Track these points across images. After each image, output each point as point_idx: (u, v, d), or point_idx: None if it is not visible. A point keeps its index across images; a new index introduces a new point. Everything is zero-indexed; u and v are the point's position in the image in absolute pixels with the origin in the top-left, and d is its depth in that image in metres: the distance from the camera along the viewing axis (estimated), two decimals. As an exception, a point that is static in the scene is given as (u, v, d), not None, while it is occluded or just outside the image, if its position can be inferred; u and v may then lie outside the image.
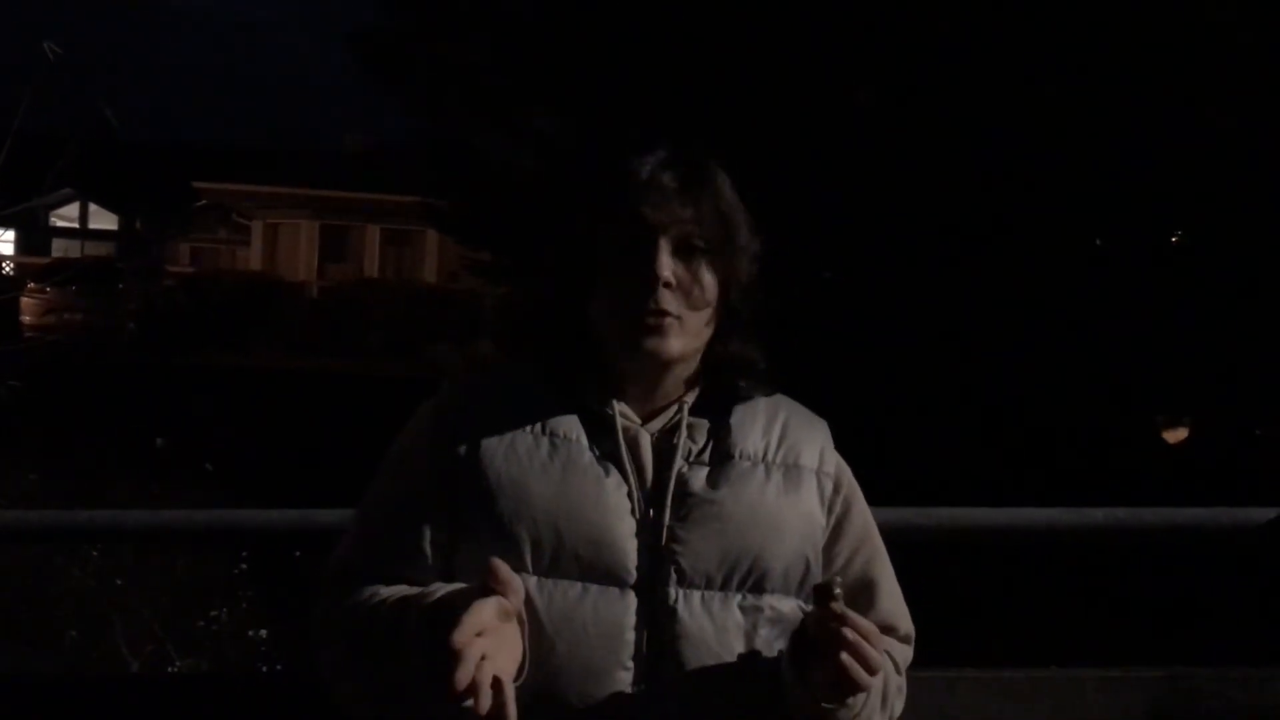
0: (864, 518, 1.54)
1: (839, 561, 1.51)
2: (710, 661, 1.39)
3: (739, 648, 1.40)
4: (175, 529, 2.17)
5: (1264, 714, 2.20)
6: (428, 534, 1.42)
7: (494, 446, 1.42)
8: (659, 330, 1.41)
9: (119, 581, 5.03)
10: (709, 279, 1.44)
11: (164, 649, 4.50)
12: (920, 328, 9.59)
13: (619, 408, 1.45)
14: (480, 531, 1.39)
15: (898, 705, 1.52)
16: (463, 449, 1.42)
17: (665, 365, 1.45)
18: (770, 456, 1.48)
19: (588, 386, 1.46)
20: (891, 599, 1.55)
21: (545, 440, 1.42)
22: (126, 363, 15.79)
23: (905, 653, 1.56)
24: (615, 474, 1.41)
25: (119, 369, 14.37)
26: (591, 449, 1.43)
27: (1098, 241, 10.40)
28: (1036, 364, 9.39)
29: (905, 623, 1.57)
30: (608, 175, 1.45)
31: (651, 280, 1.40)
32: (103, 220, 45.08)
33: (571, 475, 1.40)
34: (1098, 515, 2.29)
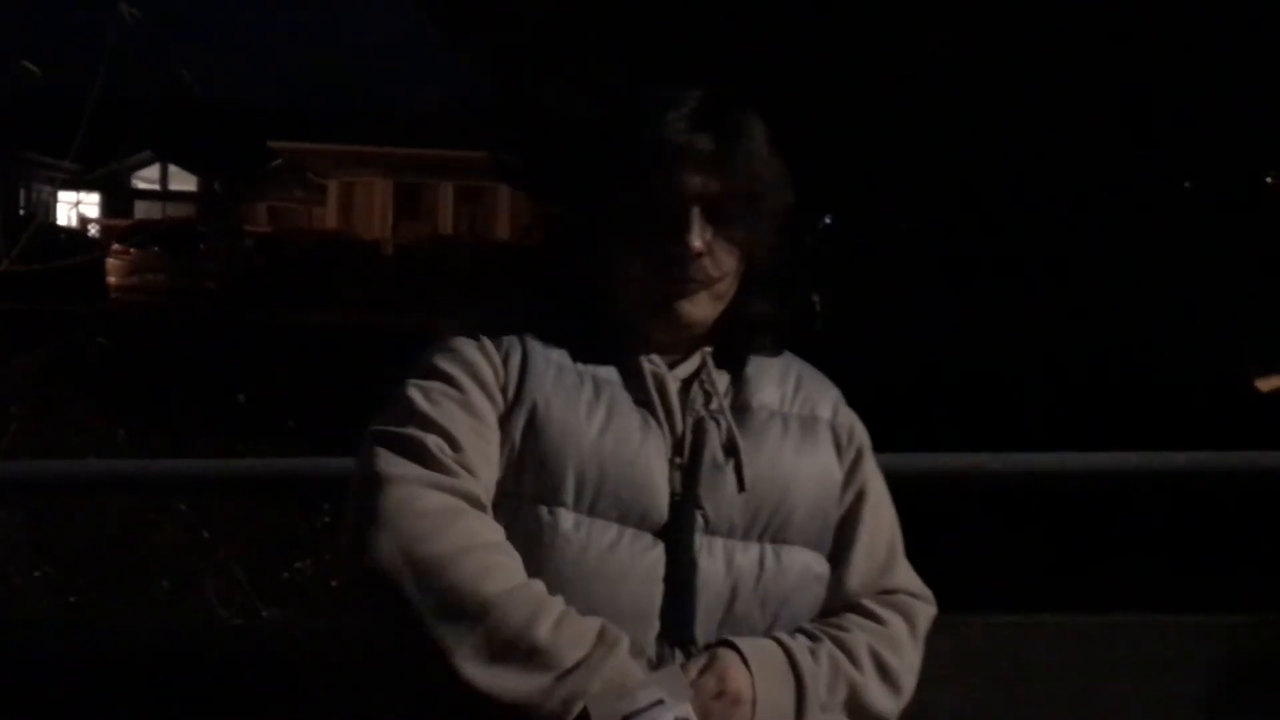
0: (866, 475, 1.53)
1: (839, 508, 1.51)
2: (724, 609, 1.39)
3: (755, 595, 1.40)
4: (259, 475, 2.23)
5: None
6: (492, 444, 1.39)
7: (543, 374, 1.42)
8: (687, 295, 1.43)
9: (206, 535, 5.16)
10: (738, 240, 1.44)
11: (251, 600, 4.62)
12: (1005, 272, 9.44)
13: (649, 356, 1.46)
14: (525, 456, 1.39)
15: (899, 666, 1.46)
16: (515, 369, 1.42)
17: (688, 326, 1.46)
18: (786, 408, 1.49)
19: (614, 334, 1.46)
20: (869, 560, 1.50)
21: (589, 381, 1.43)
22: (208, 321, 16.13)
23: (889, 624, 1.48)
24: (652, 421, 1.42)
25: (200, 327, 14.68)
26: (629, 394, 1.43)
27: (1186, 184, 10.13)
28: (1126, 310, 9.21)
29: (889, 578, 1.51)
30: (639, 137, 1.42)
31: (684, 251, 1.40)
32: (183, 182, 46.00)
33: (616, 418, 1.41)
34: (1180, 459, 2.26)
